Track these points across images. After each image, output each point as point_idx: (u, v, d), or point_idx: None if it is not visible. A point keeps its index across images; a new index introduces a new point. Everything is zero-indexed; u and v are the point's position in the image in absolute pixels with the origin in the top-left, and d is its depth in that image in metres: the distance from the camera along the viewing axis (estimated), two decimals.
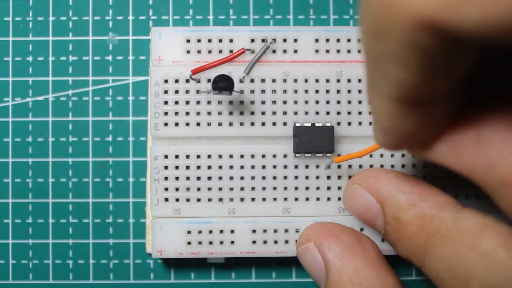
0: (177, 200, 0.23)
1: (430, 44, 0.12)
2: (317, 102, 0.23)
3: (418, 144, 0.17)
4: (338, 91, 0.24)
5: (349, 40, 0.24)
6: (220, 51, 0.24)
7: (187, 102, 0.23)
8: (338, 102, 0.24)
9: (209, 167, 0.23)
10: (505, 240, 0.16)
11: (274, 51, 0.24)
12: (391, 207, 0.19)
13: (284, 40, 0.24)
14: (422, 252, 0.18)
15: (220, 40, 0.24)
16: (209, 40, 0.24)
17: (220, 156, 0.23)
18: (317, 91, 0.23)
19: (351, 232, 0.20)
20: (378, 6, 0.12)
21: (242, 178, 0.23)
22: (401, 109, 0.15)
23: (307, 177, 0.23)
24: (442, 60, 0.13)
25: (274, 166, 0.23)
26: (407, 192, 0.19)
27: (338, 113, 0.24)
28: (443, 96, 0.15)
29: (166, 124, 0.23)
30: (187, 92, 0.23)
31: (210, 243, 0.23)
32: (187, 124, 0.23)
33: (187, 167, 0.23)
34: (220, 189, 0.23)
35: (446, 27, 0.12)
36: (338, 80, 0.24)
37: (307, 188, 0.23)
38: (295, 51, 0.24)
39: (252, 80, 0.23)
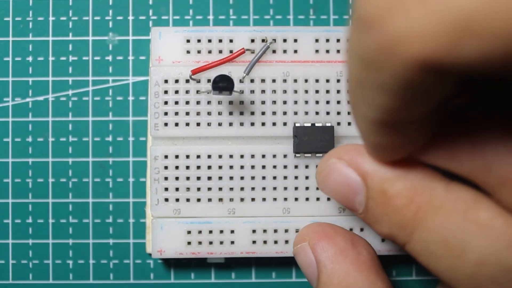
0: (177, 200, 0.23)
1: (421, 79, 0.12)
2: (317, 102, 0.23)
3: (410, 154, 0.17)
4: (338, 91, 0.24)
5: None
6: (220, 51, 0.24)
7: (187, 102, 0.23)
8: (338, 102, 0.24)
9: (209, 167, 0.23)
10: (502, 209, 0.16)
11: (274, 51, 0.24)
12: (376, 179, 0.18)
13: (284, 40, 0.24)
14: (410, 226, 0.17)
15: (220, 40, 0.24)
16: (209, 40, 0.24)
17: (220, 156, 0.23)
18: (317, 91, 0.23)
19: (346, 235, 0.20)
20: (375, 41, 0.12)
21: (242, 178, 0.23)
22: (382, 129, 0.15)
23: (307, 177, 0.23)
24: (425, 90, 0.13)
25: (274, 166, 0.23)
26: (392, 164, 0.18)
27: (338, 113, 0.24)
28: (420, 118, 0.15)
29: (166, 124, 0.23)
30: (187, 92, 0.23)
31: (210, 243, 0.23)
32: (187, 124, 0.23)
33: (187, 167, 0.23)
34: (220, 189, 0.23)
35: (444, 66, 0.12)
36: (338, 80, 0.24)
37: (307, 188, 0.23)
38: (295, 51, 0.24)
39: (252, 80, 0.23)
